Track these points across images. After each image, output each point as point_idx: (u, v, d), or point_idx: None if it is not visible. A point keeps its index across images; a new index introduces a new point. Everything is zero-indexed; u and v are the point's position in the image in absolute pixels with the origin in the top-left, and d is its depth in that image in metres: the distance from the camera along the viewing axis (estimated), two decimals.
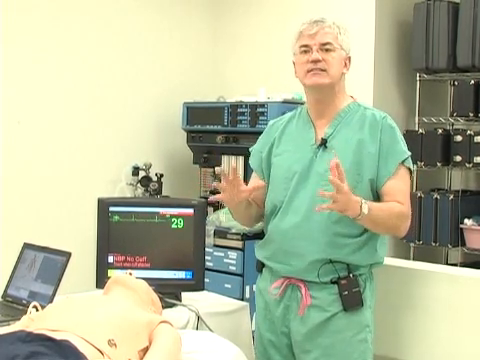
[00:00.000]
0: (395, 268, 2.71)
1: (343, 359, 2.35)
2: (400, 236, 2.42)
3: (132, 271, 2.47)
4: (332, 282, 2.33)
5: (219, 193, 2.33)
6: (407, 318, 2.64)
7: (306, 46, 2.36)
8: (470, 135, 4.19)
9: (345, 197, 2.14)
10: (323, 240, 2.31)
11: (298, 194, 2.37)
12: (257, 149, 2.56)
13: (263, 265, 2.50)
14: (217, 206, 4.35)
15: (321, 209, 2.19)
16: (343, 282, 2.32)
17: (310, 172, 2.36)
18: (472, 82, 4.20)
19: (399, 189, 2.34)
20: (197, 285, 2.80)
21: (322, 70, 2.34)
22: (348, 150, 2.33)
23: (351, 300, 2.32)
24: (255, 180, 2.55)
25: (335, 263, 2.31)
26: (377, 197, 2.37)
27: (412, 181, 4.44)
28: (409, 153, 2.38)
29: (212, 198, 2.53)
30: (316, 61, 2.34)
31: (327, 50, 2.34)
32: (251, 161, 2.58)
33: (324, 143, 2.36)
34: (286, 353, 2.44)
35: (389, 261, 2.84)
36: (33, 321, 2.05)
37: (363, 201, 2.20)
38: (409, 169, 2.39)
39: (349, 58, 2.42)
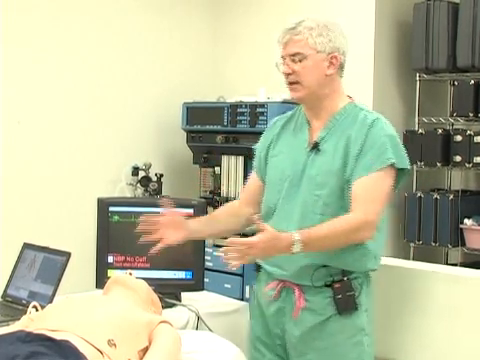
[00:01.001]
0: (395, 268, 2.71)
1: None
2: (364, 242, 2.30)
3: (132, 271, 2.48)
4: (326, 285, 2.31)
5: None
6: (407, 319, 2.64)
7: (282, 57, 2.35)
8: (470, 135, 4.19)
9: (260, 248, 2.11)
10: None
11: (290, 199, 2.35)
12: (258, 149, 2.56)
13: (260, 266, 2.50)
14: (217, 205, 4.35)
15: (232, 267, 2.14)
16: (337, 285, 2.29)
17: (302, 176, 2.34)
18: (472, 82, 4.19)
19: (362, 195, 2.22)
20: (197, 285, 2.80)
21: (294, 83, 2.32)
22: (338, 153, 2.30)
23: (345, 303, 2.30)
24: (251, 180, 2.57)
25: (329, 268, 2.29)
26: None
27: (411, 181, 4.47)
28: (393, 160, 2.25)
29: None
30: (286, 74, 2.33)
31: (298, 60, 2.30)
32: (254, 161, 2.58)
33: (316, 147, 2.34)
34: (280, 353, 2.43)
35: (389, 261, 2.84)
36: (33, 321, 2.05)
37: (296, 239, 2.13)
38: (392, 176, 2.27)
39: (335, 56, 2.32)
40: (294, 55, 2.31)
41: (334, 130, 2.34)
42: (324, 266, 2.29)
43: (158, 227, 2.37)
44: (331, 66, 2.33)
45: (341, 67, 2.37)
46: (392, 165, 2.26)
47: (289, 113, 2.53)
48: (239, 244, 2.11)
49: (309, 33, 2.30)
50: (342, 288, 2.30)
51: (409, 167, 2.33)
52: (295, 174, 2.35)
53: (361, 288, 2.33)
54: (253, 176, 2.57)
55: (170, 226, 2.38)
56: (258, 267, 2.50)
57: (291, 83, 2.34)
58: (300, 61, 2.30)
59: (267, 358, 2.44)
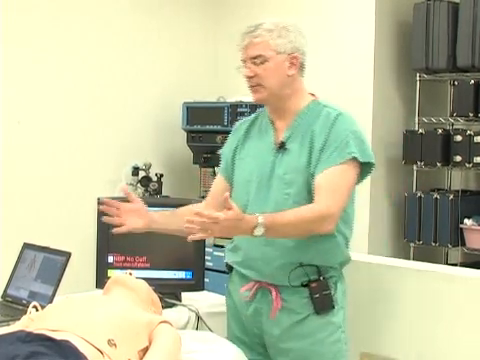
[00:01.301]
0: (395, 268, 2.71)
1: None
2: (327, 233, 2.29)
3: (132, 271, 2.48)
4: (303, 285, 2.32)
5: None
6: (407, 318, 2.64)
7: (243, 60, 2.36)
8: (470, 135, 4.19)
9: (223, 226, 2.09)
10: (288, 244, 2.29)
11: (261, 200, 2.35)
12: (225, 151, 2.56)
13: (232, 267, 2.49)
14: None
15: (192, 239, 2.14)
16: (313, 285, 2.30)
17: (272, 176, 2.34)
18: (472, 82, 4.19)
19: (324, 188, 2.23)
20: (197, 285, 2.80)
21: (256, 85, 2.33)
22: (304, 150, 2.31)
23: (322, 303, 2.31)
24: (217, 182, 2.57)
25: (305, 266, 2.30)
26: None
27: (411, 181, 4.47)
28: (355, 154, 2.26)
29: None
30: (248, 77, 2.34)
31: (260, 63, 2.31)
32: (220, 163, 2.58)
33: (283, 146, 2.35)
34: (261, 351, 2.44)
35: (389, 261, 2.84)
36: (33, 321, 2.05)
37: (259, 222, 2.13)
38: (355, 169, 2.29)
39: (295, 57, 2.33)
40: (255, 58, 2.32)
41: (299, 128, 2.35)
42: (300, 266, 2.30)
43: (120, 212, 2.38)
44: (292, 66, 2.34)
45: (301, 67, 2.38)
46: (355, 159, 2.28)
47: (252, 116, 2.54)
48: (205, 217, 2.08)
49: (269, 35, 2.32)
50: (319, 287, 2.31)
51: (373, 161, 2.34)
52: (264, 175, 2.36)
53: (336, 287, 2.35)
54: (219, 178, 2.57)
55: (131, 212, 2.39)
56: (230, 268, 2.50)
57: (253, 86, 2.35)
58: (262, 63, 2.31)
59: (248, 357, 2.43)
